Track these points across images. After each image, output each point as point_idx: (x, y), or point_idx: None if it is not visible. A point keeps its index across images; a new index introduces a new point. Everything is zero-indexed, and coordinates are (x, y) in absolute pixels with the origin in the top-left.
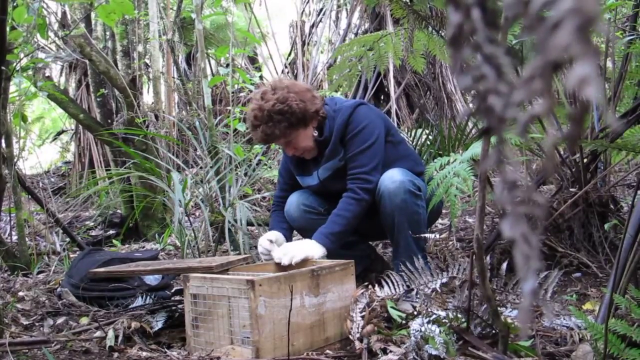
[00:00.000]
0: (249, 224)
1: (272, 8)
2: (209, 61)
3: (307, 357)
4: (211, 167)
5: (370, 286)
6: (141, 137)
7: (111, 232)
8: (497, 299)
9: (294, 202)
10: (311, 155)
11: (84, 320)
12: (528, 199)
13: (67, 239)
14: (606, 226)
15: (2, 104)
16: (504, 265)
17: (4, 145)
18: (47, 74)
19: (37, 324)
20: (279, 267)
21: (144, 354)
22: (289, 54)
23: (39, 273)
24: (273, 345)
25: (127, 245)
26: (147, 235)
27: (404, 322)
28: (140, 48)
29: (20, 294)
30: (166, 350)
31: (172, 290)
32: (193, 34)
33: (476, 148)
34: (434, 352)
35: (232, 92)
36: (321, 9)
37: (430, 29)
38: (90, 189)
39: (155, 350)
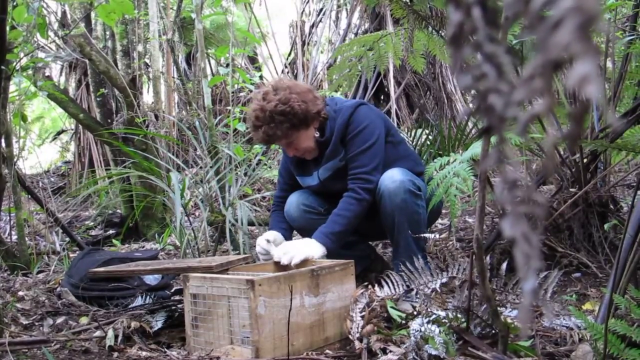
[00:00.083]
0: (250, 223)
1: (272, 8)
2: (209, 61)
3: (307, 357)
4: (211, 167)
5: (370, 286)
6: (141, 136)
7: (111, 231)
8: (496, 299)
9: (294, 202)
10: (312, 155)
11: (84, 320)
12: (528, 199)
13: (67, 239)
14: (606, 226)
15: (2, 104)
16: (504, 265)
17: (3, 144)
18: (47, 74)
19: (36, 323)
20: (279, 267)
21: (144, 353)
22: (289, 54)
23: (38, 273)
24: (273, 345)
25: (126, 245)
26: (146, 235)
27: (403, 322)
28: (140, 48)
29: (20, 293)
30: (166, 350)
31: (172, 290)
32: (193, 33)
33: (476, 148)
34: (433, 352)
35: (232, 92)
36: (321, 9)
37: (430, 29)
38: (90, 188)
39: (155, 350)
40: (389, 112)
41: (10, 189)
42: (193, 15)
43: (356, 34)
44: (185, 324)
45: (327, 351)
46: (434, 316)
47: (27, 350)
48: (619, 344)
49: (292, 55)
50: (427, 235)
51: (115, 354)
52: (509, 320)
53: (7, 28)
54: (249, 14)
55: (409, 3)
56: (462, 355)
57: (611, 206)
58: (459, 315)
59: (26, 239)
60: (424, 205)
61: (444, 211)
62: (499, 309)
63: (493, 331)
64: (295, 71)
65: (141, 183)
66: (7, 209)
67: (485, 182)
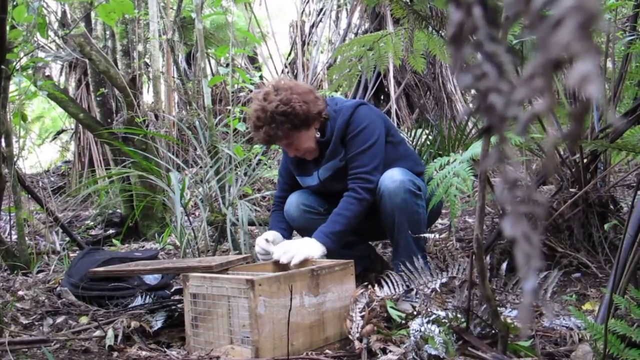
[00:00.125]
0: (250, 223)
1: (272, 8)
2: (208, 61)
3: (307, 357)
4: (211, 167)
5: (369, 286)
6: (141, 136)
7: (111, 231)
8: (496, 299)
9: (294, 202)
10: (312, 156)
11: (84, 320)
12: (528, 199)
13: (67, 239)
14: (606, 226)
15: (2, 103)
16: (504, 265)
17: (3, 144)
18: (47, 73)
19: (36, 323)
20: (279, 266)
21: (144, 353)
22: (289, 54)
23: (38, 272)
24: (272, 345)
25: (126, 245)
26: (146, 234)
27: (403, 322)
28: (140, 47)
29: (20, 293)
30: (166, 349)
31: (172, 290)
32: (193, 33)
33: (476, 148)
34: (433, 352)
35: (232, 92)
36: (321, 9)
37: (430, 29)
38: (90, 188)
39: (155, 350)
40: (389, 112)
41: (10, 188)
42: (193, 15)
43: (356, 34)
44: (185, 324)
45: (327, 351)
46: (433, 316)
47: (27, 349)
48: (619, 344)
49: (292, 55)
50: (427, 235)
51: (115, 354)
52: (508, 320)
53: (7, 27)
54: (249, 13)
55: (409, 3)
56: (462, 355)
57: (611, 206)
58: (458, 315)
59: (26, 238)
60: (424, 205)
61: (443, 211)
62: (498, 309)
63: (493, 331)
64: (295, 71)
65: (141, 183)
66: (7, 208)
67: (485, 182)
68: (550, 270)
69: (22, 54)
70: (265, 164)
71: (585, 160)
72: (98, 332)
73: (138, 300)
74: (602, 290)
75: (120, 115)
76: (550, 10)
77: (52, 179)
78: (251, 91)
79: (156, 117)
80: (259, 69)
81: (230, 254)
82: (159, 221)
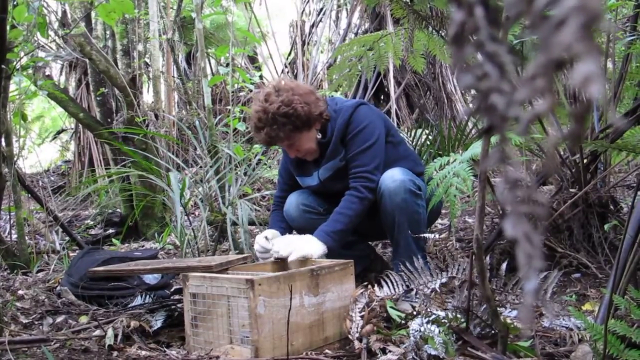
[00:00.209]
0: (250, 223)
1: (272, 8)
2: (209, 60)
3: (306, 357)
4: (211, 167)
5: (369, 286)
6: (141, 136)
7: (111, 231)
8: (496, 299)
9: (293, 202)
10: (313, 157)
11: (84, 319)
12: (529, 199)
13: (67, 238)
14: (606, 227)
15: (2, 103)
16: (504, 265)
17: (3, 144)
18: (47, 73)
19: (36, 322)
20: (278, 266)
21: (143, 352)
22: (289, 54)
23: (38, 272)
24: (272, 345)
25: (126, 244)
26: (146, 234)
27: (403, 322)
28: (140, 47)
29: (20, 292)
30: (165, 349)
31: (172, 290)
32: (193, 33)
33: (476, 148)
34: (433, 352)
35: (232, 92)
36: (321, 9)
37: (430, 29)
38: (90, 188)
39: (155, 349)
40: (389, 112)
41: (10, 188)
42: (193, 15)
43: (356, 34)
44: (184, 324)
45: (327, 351)
46: (433, 316)
47: (26, 349)
48: (619, 344)
49: (292, 55)
50: (427, 235)
51: (115, 353)
52: (508, 321)
53: (8, 27)
54: (249, 13)
55: (409, 3)
56: (462, 355)
57: (611, 207)
58: (458, 316)
59: (26, 238)
60: (424, 205)
61: (443, 211)
62: (498, 309)
63: (493, 331)
64: (295, 71)
65: (141, 182)
66: (7, 207)
67: (485, 182)
68: (550, 271)
69: (22, 54)
70: (265, 164)
71: (585, 161)
72: (98, 332)
73: (138, 300)
74: (602, 291)
75: (120, 115)
76: (552, 11)
77: (52, 178)
78: (251, 91)
79: (156, 116)
80: (259, 68)
81: (230, 253)
82: (158, 221)
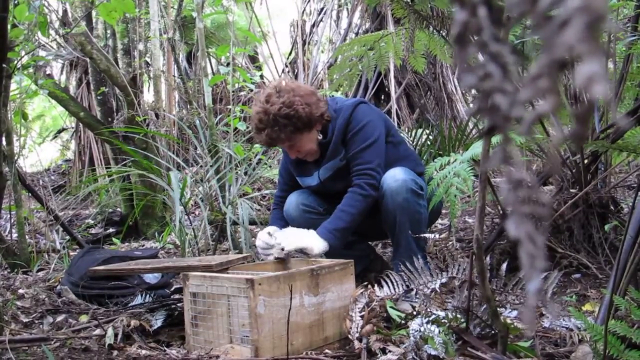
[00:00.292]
0: (251, 222)
1: (273, 7)
2: (209, 60)
3: (306, 357)
4: (211, 166)
5: (369, 286)
6: (141, 135)
7: (111, 230)
8: (496, 299)
9: (293, 201)
10: (314, 157)
11: (84, 318)
12: (531, 199)
13: (67, 237)
14: (606, 227)
15: (3, 102)
16: (504, 265)
17: (4, 143)
18: (47, 72)
19: (36, 321)
20: (279, 266)
21: (143, 352)
22: (290, 53)
23: (38, 271)
24: (272, 345)
25: (126, 244)
26: (146, 233)
27: (403, 322)
28: (141, 46)
29: (20, 291)
30: (165, 348)
31: (172, 289)
32: (194, 32)
33: (477, 148)
34: (433, 352)
35: (233, 91)
36: (322, 9)
37: (431, 29)
38: (90, 187)
39: (155, 349)
40: (389, 112)
41: (10, 187)
42: (194, 14)
43: (357, 34)
44: (184, 323)
45: (327, 351)
46: (433, 316)
47: (27, 348)
48: (619, 345)
49: (293, 54)
50: (427, 235)
51: (115, 352)
52: (508, 321)
53: (9, 26)
54: (250, 13)
55: (410, 3)
56: (462, 355)
57: (611, 207)
58: (458, 316)
59: (26, 237)
60: (426, 205)
61: (443, 211)
62: (498, 309)
63: (492, 331)
64: (296, 70)
65: (141, 182)
66: (8, 207)
67: (485, 182)
68: (551, 271)
69: (23, 53)
70: (266, 164)
71: (585, 161)
72: (98, 331)
73: (138, 299)
74: (602, 291)
75: (121, 114)
76: (556, 11)
77: (52, 177)
78: (252, 90)
79: (157, 116)
80: (259, 68)
81: (230, 253)
82: (159, 220)
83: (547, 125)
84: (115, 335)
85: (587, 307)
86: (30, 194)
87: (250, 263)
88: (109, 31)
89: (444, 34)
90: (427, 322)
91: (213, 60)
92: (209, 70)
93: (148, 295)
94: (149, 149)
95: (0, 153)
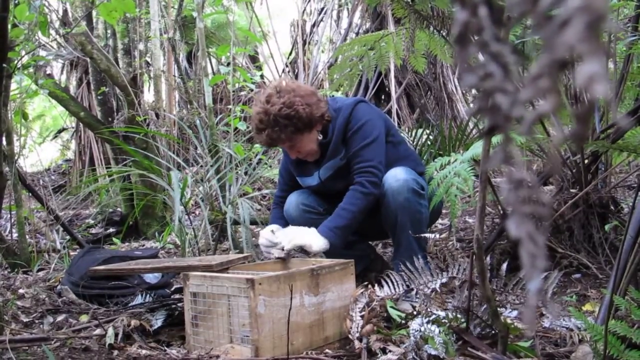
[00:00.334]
0: (252, 222)
1: (273, 7)
2: (209, 60)
3: (307, 357)
4: (211, 166)
5: (369, 286)
6: (142, 135)
7: (111, 230)
8: (496, 299)
9: (293, 201)
10: (314, 158)
11: (84, 318)
12: (532, 199)
13: (67, 237)
14: (606, 227)
15: (3, 102)
16: (504, 265)
17: (4, 142)
18: (48, 72)
19: (37, 321)
20: (279, 266)
21: (144, 352)
22: (290, 53)
23: (39, 271)
24: (272, 344)
25: (127, 244)
26: (147, 233)
27: (403, 322)
28: (141, 46)
29: (21, 291)
30: (166, 348)
31: (172, 289)
32: (194, 32)
33: (477, 148)
34: (433, 352)
35: (233, 91)
36: (322, 8)
37: (431, 28)
38: (91, 187)
39: (155, 349)
40: (389, 112)
41: (11, 187)
42: (194, 14)
43: (357, 34)
44: (185, 323)
45: (327, 350)
46: (433, 316)
47: (27, 347)
48: (619, 345)
49: (293, 54)
50: (428, 235)
51: (115, 352)
52: (508, 321)
53: (9, 26)
54: (250, 13)
55: (411, 3)
56: (462, 355)
57: (612, 207)
58: (458, 316)
59: (27, 236)
60: (427, 205)
61: (444, 211)
62: (498, 309)
63: (493, 331)
64: (296, 70)
65: (142, 181)
66: (8, 206)
67: (486, 182)
68: (551, 271)
69: (23, 53)
70: (266, 163)
71: (586, 161)
72: (98, 331)
73: (138, 299)
74: (602, 291)
75: (121, 114)
76: (557, 11)
77: (52, 177)
78: (252, 90)
79: (157, 115)
80: (260, 68)
81: (230, 253)
82: (159, 220)
83: (548, 125)
84: (116, 335)
85: (587, 307)
86: (30, 194)
87: (250, 263)
88: (109, 31)
89: (444, 33)
90: (428, 322)
91: (213, 60)
92: (210, 70)
93: (148, 295)
94: (149, 148)
95: (1, 153)
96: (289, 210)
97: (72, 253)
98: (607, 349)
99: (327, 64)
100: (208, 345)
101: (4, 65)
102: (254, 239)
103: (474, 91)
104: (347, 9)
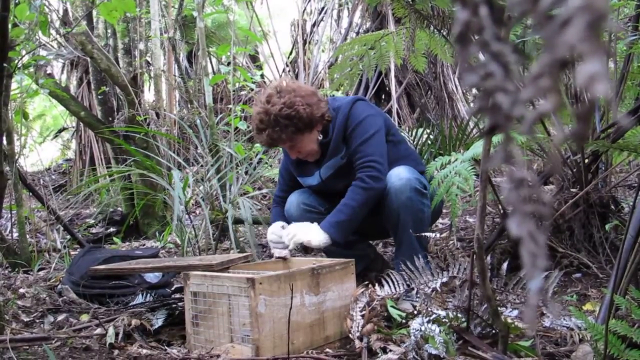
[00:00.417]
0: (255, 222)
1: (274, 7)
2: (210, 59)
3: (307, 356)
4: (212, 165)
5: (370, 285)
6: (142, 134)
7: (112, 229)
8: (497, 298)
9: (294, 201)
10: (314, 158)
11: (85, 318)
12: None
13: (68, 237)
14: (607, 227)
15: (4, 101)
16: (505, 265)
17: (5, 142)
18: (48, 72)
19: (37, 320)
20: (279, 265)
21: (144, 351)
22: (290, 53)
23: (39, 270)
24: (273, 344)
25: (127, 243)
26: (147, 233)
27: (403, 321)
28: (141, 46)
29: (21, 290)
30: (166, 347)
31: (173, 288)
32: (194, 32)
33: (477, 148)
34: (433, 352)
35: (233, 91)
36: (323, 8)
37: (431, 28)
38: (91, 186)
39: (155, 348)
40: (390, 111)
41: (11, 186)
42: (195, 14)
43: (357, 33)
44: (185, 322)
45: (327, 350)
46: (434, 316)
47: (28, 347)
48: (620, 344)
49: (294, 54)
50: (429, 234)
51: (116, 352)
52: (509, 320)
53: (10, 26)
54: (251, 12)
55: (411, 2)
56: (462, 355)
57: (612, 207)
58: (459, 315)
59: (27, 236)
60: (429, 204)
61: (444, 211)
62: (499, 308)
63: (493, 331)
64: (297, 70)
65: (142, 181)
66: (9, 206)
67: (486, 181)
68: (551, 271)
69: (24, 52)
70: (267, 163)
71: (586, 161)
72: (99, 330)
73: (139, 299)
74: (602, 291)
75: (122, 114)
76: (558, 10)
77: (53, 177)
78: (252, 90)
79: (157, 115)
80: (260, 67)
81: (231, 252)
82: (159, 219)
83: (548, 125)
84: (116, 334)
85: (587, 306)
86: (31, 194)
87: (251, 262)
88: (109, 30)
89: (444, 33)
90: (428, 322)
91: (214, 60)
92: (210, 70)
93: (149, 295)
94: (150, 148)
95: (1, 152)
96: (290, 210)
97: (72, 252)
98: (607, 348)
99: (328, 63)
100: (208, 344)
101: (5, 64)
102: (256, 237)
103: (474, 91)
104: (348, 8)
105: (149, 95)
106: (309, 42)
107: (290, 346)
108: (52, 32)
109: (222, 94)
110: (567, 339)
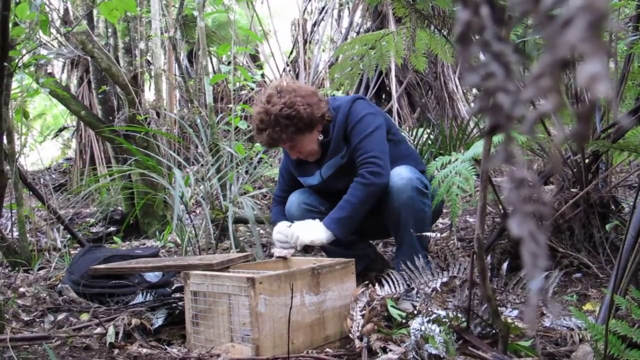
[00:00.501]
0: (258, 222)
1: (274, 6)
2: (210, 59)
3: (307, 356)
4: (212, 165)
5: (370, 285)
6: (142, 134)
7: (112, 229)
8: (497, 298)
9: (295, 201)
10: (314, 158)
11: (85, 317)
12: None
13: (68, 236)
14: (607, 227)
15: (4, 101)
16: (505, 265)
17: (5, 141)
18: (49, 71)
19: (37, 320)
20: (280, 265)
21: (144, 350)
22: (291, 52)
23: (39, 269)
24: (273, 343)
25: (127, 242)
26: (147, 232)
27: (404, 321)
28: (142, 45)
29: (21, 290)
30: (166, 347)
31: (173, 288)
32: (195, 31)
33: (478, 147)
34: (433, 352)
35: (234, 90)
36: (323, 8)
37: (432, 28)
38: (92, 186)
39: (156, 347)
40: (390, 111)
41: (11, 185)
42: (195, 13)
43: (358, 33)
44: (185, 322)
45: (327, 350)
46: (434, 315)
47: (28, 346)
48: (620, 344)
49: (294, 53)
50: (430, 234)
51: (116, 351)
52: (509, 320)
53: (10, 25)
54: (251, 12)
55: (412, 2)
56: (462, 354)
57: (612, 207)
58: (459, 315)
59: (27, 235)
60: (430, 204)
61: (444, 210)
62: (499, 308)
63: (493, 331)
64: (297, 69)
65: (142, 180)
66: (9, 205)
67: (487, 181)
68: (551, 271)
69: (24, 51)
70: (267, 162)
71: (586, 161)
72: (99, 329)
73: (139, 298)
74: (603, 291)
75: (122, 113)
76: (559, 10)
77: (53, 176)
78: (253, 89)
79: (158, 114)
80: (260, 67)
81: (231, 251)
82: (159, 219)
83: (549, 125)
84: (116, 333)
85: (587, 306)
86: (31, 193)
87: (251, 262)
88: (110, 30)
89: (445, 33)
90: (428, 321)
91: (214, 59)
92: (210, 69)
93: (149, 294)
94: (150, 147)
95: (1, 151)
96: (291, 210)
97: (72, 252)
98: (607, 348)
99: (328, 63)
100: (209, 344)
101: (5, 64)
102: (253, 237)
103: (475, 90)
104: (348, 8)
105: (149, 95)
106: (310, 42)
107: (290, 346)
108: (53, 31)
109: (222, 93)
110: (567, 339)
